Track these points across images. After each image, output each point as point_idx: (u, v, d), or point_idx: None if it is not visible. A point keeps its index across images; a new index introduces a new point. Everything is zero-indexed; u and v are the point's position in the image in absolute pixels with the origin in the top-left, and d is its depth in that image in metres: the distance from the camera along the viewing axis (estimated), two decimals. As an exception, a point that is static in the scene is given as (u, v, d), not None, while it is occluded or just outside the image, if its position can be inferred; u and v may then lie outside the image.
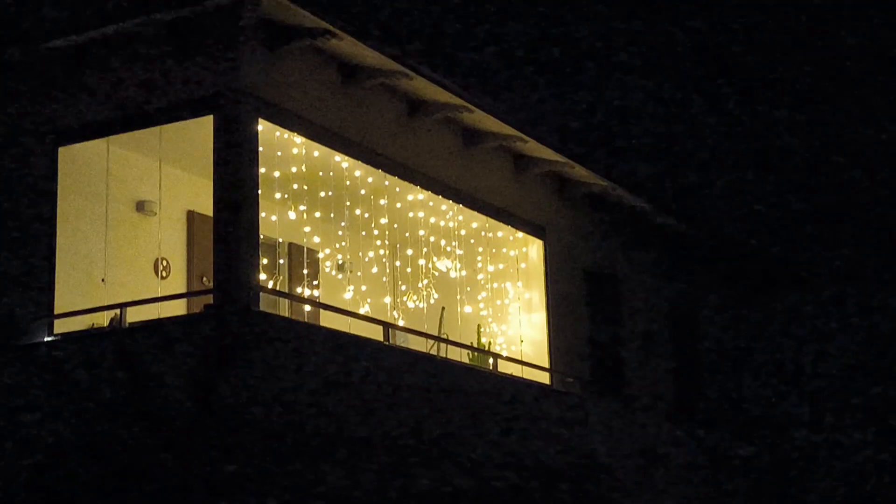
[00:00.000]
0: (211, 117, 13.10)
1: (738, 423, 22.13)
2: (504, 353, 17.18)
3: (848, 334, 29.16)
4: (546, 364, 17.29)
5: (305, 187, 15.22)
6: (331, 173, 15.16)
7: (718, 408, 21.71)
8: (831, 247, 32.30)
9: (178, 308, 14.14)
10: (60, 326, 13.62)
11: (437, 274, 17.46)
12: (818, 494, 23.48)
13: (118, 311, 13.28)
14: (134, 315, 13.27)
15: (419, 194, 16.14)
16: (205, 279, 15.19)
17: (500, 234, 17.57)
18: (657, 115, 35.38)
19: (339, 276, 17.19)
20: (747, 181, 34.75)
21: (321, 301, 16.28)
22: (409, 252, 17.37)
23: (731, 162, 35.31)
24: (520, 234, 17.67)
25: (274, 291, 15.30)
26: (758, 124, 35.92)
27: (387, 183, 15.58)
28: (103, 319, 13.68)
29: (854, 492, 24.50)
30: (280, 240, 16.31)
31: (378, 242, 17.04)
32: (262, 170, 13.37)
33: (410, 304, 17.35)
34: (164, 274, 15.15)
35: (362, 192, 15.76)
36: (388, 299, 17.07)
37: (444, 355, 16.41)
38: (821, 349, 27.36)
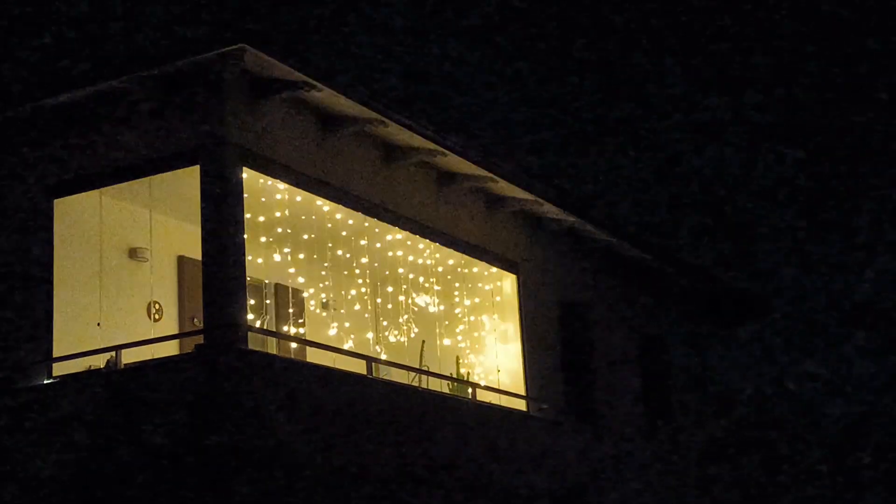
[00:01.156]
0: (197, 167, 13.19)
1: (702, 441, 22.21)
2: (482, 383, 17.23)
3: (812, 359, 29.31)
4: (522, 392, 17.35)
5: (289, 231, 15.29)
6: (313, 217, 15.22)
7: (686, 430, 21.78)
8: (794, 274, 32.48)
9: (170, 349, 14.20)
10: (59, 369, 13.64)
11: (416, 309, 17.51)
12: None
13: (114, 353, 13.32)
14: (129, 357, 13.32)
15: (397, 234, 16.21)
16: (196, 320, 15.21)
17: (475, 269, 17.66)
18: (622, 154, 35.59)
19: (324, 314, 17.23)
20: (711, 215, 34.96)
21: (307, 338, 16.33)
22: (390, 289, 17.44)
23: (696, 196, 35.52)
24: (494, 270, 17.75)
25: (261, 330, 15.30)
26: (722, 158, 36.16)
27: (366, 224, 15.66)
28: (100, 361, 13.67)
29: None
30: (266, 281, 16.36)
31: (360, 281, 17.14)
32: (247, 215, 13.44)
33: (392, 339, 17.40)
34: (156, 317, 15.16)
35: (343, 233, 15.82)
36: (370, 335, 17.12)
37: (425, 386, 16.47)
38: (784, 374, 27.50)
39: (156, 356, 13.39)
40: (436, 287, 17.27)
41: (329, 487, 13.34)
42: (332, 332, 16.03)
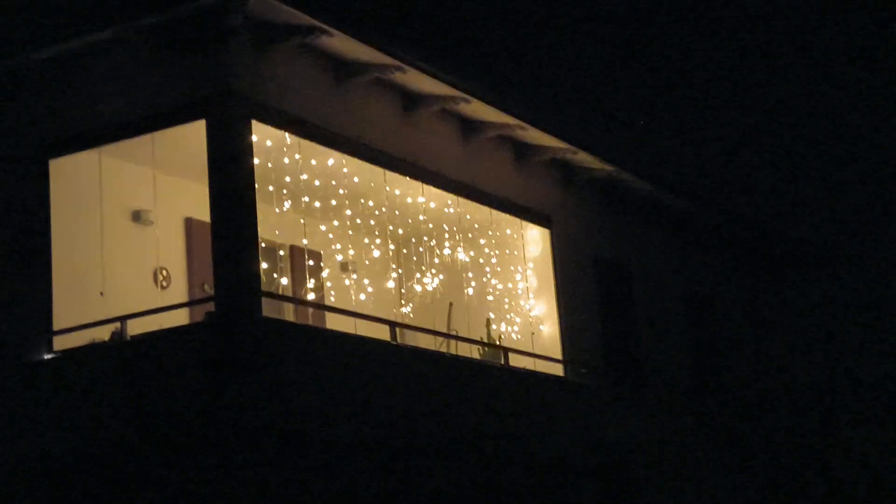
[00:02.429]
0: (203, 121, 13.22)
1: (756, 407, 22.19)
2: (515, 347, 17.29)
3: (869, 314, 29.12)
4: (559, 356, 17.41)
5: (303, 187, 15.33)
6: (329, 173, 15.26)
7: (737, 393, 21.78)
8: (852, 223, 32.24)
9: (180, 318, 14.22)
10: (60, 343, 13.71)
11: (442, 267, 17.55)
12: (833, 481, 23.59)
13: (119, 324, 13.37)
14: (135, 327, 13.38)
15: (420, 189, 16.24)
16: (206, 287, 15.23)
17: (504, 225, 17.68)
18: (660, 92, 35.37)
19: (343, 276, 17.27)
20: (760, 156, 34.72)
21: (325, 303, 16.40)
22: (415, 248, 17.46)
23: (741, 137, 35.30)
24: (526, 224, 17.78)
25: (277, 296, 15.30)
26: (768, 94, 35.90)
27: (386, 179, 15.68)
28: (104, 333, 13.76)
29: (869, 480, 24.60)
30: (280, 242, 16.40)
31: (380, 240, 17.17)
32: (258, 172, 13.50)
33: (417, 287, 17.39)
34: (163, 284, 15.20)
35: (362, 189, 15.85)
36: (394, 297, 17.15)
37: (454, 352, 16.53)
38: (840, 330, 27.34)
39: (164, 326, 13.44)
40: (463, 245, 17.29)
41: (353, 462, 13.43)
42: (353, 295, 16.08)
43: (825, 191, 33.39)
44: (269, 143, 14.19)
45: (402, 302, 17.57)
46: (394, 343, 14.59)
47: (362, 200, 16.14)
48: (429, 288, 17.36)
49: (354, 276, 17.08)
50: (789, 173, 34.12)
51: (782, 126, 35.35)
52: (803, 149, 34.78)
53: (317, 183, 15.35)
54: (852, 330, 28.39)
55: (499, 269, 17.93)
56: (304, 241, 15.83)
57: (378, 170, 15.35)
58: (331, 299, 16.84)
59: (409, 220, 16.97)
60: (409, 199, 16.47)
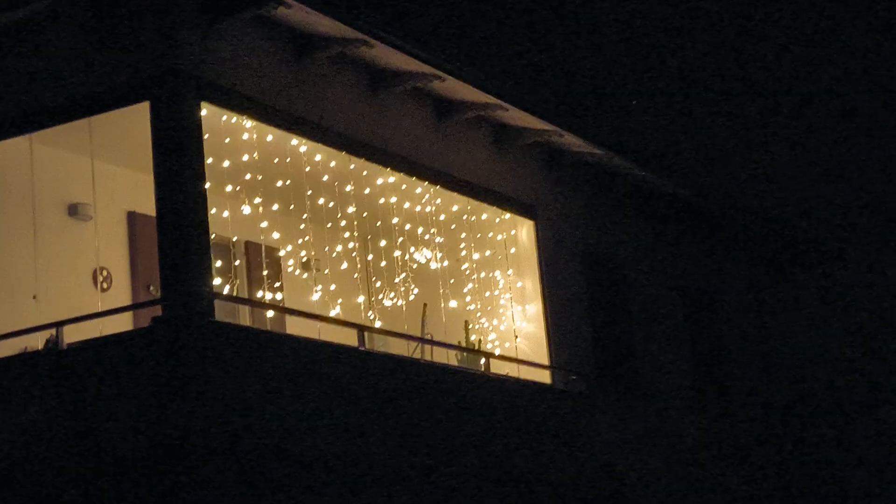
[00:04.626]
0: (146, 104, 13.16)
1: (763, 415, 22.23)
2: (497, 352, 17.27)
3: (889, 312, 29.22)
4: (545, 361, 17.39)
5: (260, 177, 15.25)
6: (288, 159, 15.19)
7: (742, 400, 21.82)
8: (868, 213, 32.33)
9: (122, 323, 14.20)
10: (-12, 353, 13.64)
11: (415, 266, 17.53)
12: (849, 498, 23.65)
13: (54, 330, 13.28)
14: (72, 334, 13.30)
15: (389, 177, 16.20)
16: (152, 288, 15.24)
17: (484, 216, 17.67)
18: (655, 71, 35.43)
19: (305, 275, 17.24)
20: (765, 140, 34.81)
21: (285, 305, 16.34)
22: (383, 243, 17.45)
23: (744, 119, 35.37)
24: (507, 216, 17.77)
25: (231, 298, 15.29)
26: (775, 75, 36.01)
27: (352, 167, 15.64)
28: (37, 341, 13.69)
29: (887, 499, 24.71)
30: (235, 238, 16.34)
31: (346, 235, 17.14)
32: (209, 160, 13.40)
33: (387, 303, 17.44)
34: (104, 285, 15.17)
35: (325, 178, 15.81)
36: (361, 298, 17.15)
37: (428, 358, 16.50)
38: (856, 329, 27.43)
39: (105, 333, 13.36)
40: (438, 239, 17.27)
41: (315, 480, 13.39)
42: (316, 296, 16.04)
43: (839, 178, 33.47)
44: (220, 126, 14.12)
45: (371, 303, 17.53)
46: (362, 349, 14.57)
47: (325, 190, 16.08)
48: (401, 287, 17.34)
49: (317, 275, 17.02)
50: (797, 157, 34.20)
51: (790, 109, 35.43)
52: (812, 132, 34.86)
53: (274, 172, 15.31)
54: (870, 329, 28.48)
55: (478, 265, 17.91)
56: (261, 237, 15.77)
57: (343, 156, 15.31)
58: (291, 301, 16.81)
59: (378, 212, 16.95)
60: (378, 189, 16.44)
